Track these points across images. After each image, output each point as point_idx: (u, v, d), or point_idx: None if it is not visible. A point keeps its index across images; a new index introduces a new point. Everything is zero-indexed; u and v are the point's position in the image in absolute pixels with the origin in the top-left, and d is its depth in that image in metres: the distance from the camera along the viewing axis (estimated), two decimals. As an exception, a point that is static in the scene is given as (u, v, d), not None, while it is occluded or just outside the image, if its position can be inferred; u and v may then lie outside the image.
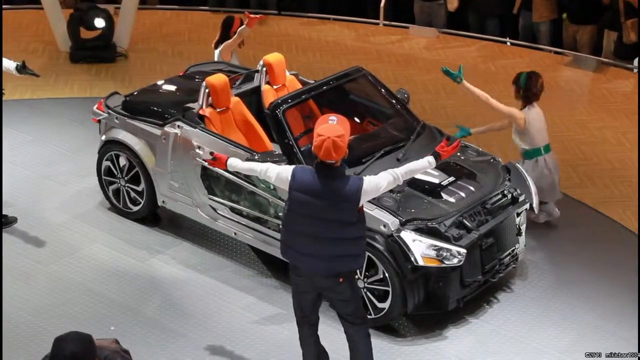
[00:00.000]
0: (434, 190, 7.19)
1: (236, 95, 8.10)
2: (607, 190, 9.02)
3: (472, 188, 7.30)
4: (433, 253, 6.76)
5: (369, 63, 11.03)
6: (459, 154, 7.69)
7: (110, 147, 8.30)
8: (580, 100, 10.96)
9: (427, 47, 12.54)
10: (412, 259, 6.72)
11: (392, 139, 7.71)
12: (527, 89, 8.05)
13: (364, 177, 5.81)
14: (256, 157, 7.20)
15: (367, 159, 7.35)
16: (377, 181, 5.82)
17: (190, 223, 8.19)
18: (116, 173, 8.33)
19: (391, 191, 7.08)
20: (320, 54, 12.30)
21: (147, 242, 8.10)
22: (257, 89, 8.32)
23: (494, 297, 7.42)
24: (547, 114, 10.64)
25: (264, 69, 8.25)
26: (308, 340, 6.25)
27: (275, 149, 7.60)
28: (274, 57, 8.27)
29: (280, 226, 6.16)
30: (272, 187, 7.37)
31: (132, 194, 8.30)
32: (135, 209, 8.32)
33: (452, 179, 7.34)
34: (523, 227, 7.47)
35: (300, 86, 8.25)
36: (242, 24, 9.09)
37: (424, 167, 6.09)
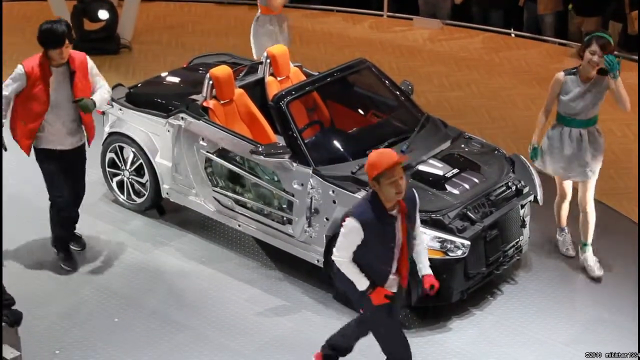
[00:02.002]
0: (438, 182, 7.18)
1: (240, 87, 8.09)
2: (611, 182, 9.00)
3: (476, 180, 7.29)
4: (437, 245, 6.76)
5: (373, 55, 11.01)
6: (462, 145, 7.69)
7: (114, 139, 8.30)
8: (585, 92, 10.92)
9: (431, 38, 12.52)
10: (416, 250, 6.72)
11: (396, 130, 7.70)
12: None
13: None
14: (260, 150, 7.21)
15: (371, 150, 7.33)
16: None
17: (194, 215, 8.19)
18: (120, 165, 8.33)
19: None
20: (324, 46, 12.29)
21: (151, 234, 8.10)
22: (261, 81, 8.31)
23: (497, 289, 7.42)
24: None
25: (268, 60, 8.24)
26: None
27: (279, 141, 7.60)
28: (278, 49, 8.27)
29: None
30: (276, 179, 7.37)
31: (136, 186, 8.31)
32: (139, 200, 8.32)
33: (456, 170, 7.33)
34: (527, 219, 7.46)
35: (304, 78, 8.24)
36: None
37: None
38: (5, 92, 7.03)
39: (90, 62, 7.21)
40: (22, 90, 7.01)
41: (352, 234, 5.56)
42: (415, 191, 5.76)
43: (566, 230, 7.81)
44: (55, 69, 7.02)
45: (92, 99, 7.10)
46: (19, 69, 7.00)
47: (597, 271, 7.48)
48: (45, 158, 7.26)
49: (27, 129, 7.11)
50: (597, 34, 7.05)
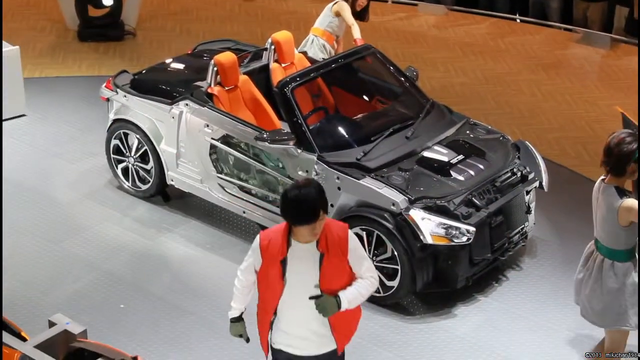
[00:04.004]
0: (443, 169, 7.18)
1: (244, 73, 8.08)
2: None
3: (481, 166, 7.28)
4: (442, 231, 6.75)
5: (378, 41, 10.98)
6: (468, 131, 7.68)
7: (119, 126, 8.29)
8: (591, 78, 10.91)
9: (436, 24, 12.48)
10: (421, 237, 6.71)
11: (401, 117, 7.69)
12: None
13: None
14: (265, 136, 7.21)
15: (376, 137, 7.34)
16: None
17: (199, 201, 8.19)
18: (125, 152, 8.33)
19: (400, 169, 7.08)
20: (328, 32, 12.23)
21: (156, 221, 8.11)
22: (266, 67, 8.30)
23: (503, 275, 7.42)
24: (558, 91, 10.68)
25: (273, 47, 8.23)
26: None
27: (284, 127, 7.59)
28: (283, 35, 8.26)
29: None
30: (280, 165, 7.37)
31: (141, 173, 8.31)
32: (144, 187, 8.33)
33: (461, 157, 7.32)
34: (532, 205, 7.45)
35: (309, 64, 8.23)
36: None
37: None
38: (240, 277, 5.20)
39: (352, 241, 4.99)
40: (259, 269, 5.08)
41: None
42: None
43: None
44: (299, 243, 4.95)
45: (336, 298, 4.95)
46: (256, 239, 5.05)
47: None
48: None
49: (264, 321, 5.23)
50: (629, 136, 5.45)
